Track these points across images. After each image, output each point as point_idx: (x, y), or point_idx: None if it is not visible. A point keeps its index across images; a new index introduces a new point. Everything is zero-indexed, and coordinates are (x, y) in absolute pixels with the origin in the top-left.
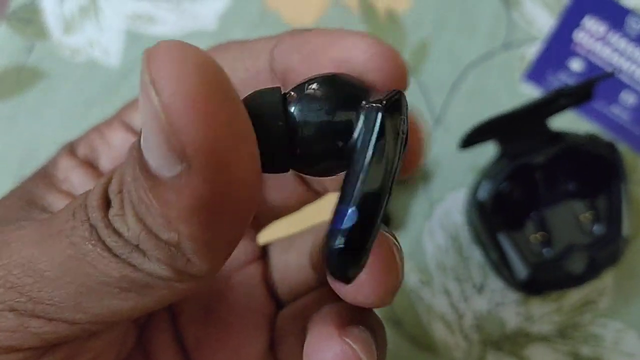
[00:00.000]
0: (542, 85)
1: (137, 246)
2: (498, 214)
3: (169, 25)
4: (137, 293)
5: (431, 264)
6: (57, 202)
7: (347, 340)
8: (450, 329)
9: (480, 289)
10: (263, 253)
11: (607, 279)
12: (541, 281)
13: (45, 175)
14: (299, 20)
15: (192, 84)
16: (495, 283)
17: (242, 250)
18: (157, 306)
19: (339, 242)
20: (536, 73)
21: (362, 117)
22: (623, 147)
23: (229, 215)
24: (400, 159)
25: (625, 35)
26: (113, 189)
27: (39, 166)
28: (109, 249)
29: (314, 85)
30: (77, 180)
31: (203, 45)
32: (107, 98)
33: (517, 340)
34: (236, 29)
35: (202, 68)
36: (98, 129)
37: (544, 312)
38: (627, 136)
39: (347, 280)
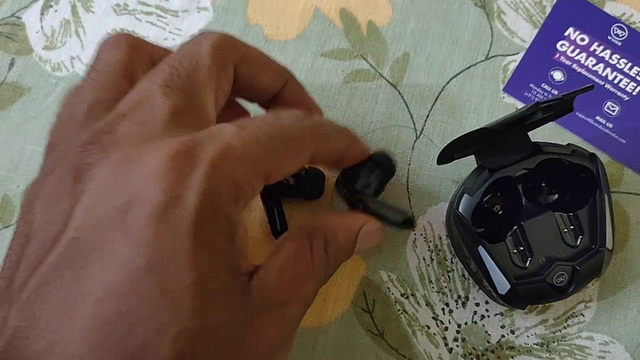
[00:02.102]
0: (524, 96)
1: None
2: (479, 227)
3: (151, 39)
4: None
5: (414, 276)
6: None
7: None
8: (434, 342)
9: (464, 302)
10: None
11: (592, 291)
12: (523, 294)
13: (235, 242)
14: (281, 35)
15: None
16: (478, 295)
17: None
18: None
19: None
20: (518, 84)
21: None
22: (607, 158)
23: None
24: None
25: (610, 44)
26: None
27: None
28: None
29: None
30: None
31: None
32: None
33: (501, 353)
34: None
35: None
36: (237, 183)
37: (528, 325)
38: (612, 146)
39: None
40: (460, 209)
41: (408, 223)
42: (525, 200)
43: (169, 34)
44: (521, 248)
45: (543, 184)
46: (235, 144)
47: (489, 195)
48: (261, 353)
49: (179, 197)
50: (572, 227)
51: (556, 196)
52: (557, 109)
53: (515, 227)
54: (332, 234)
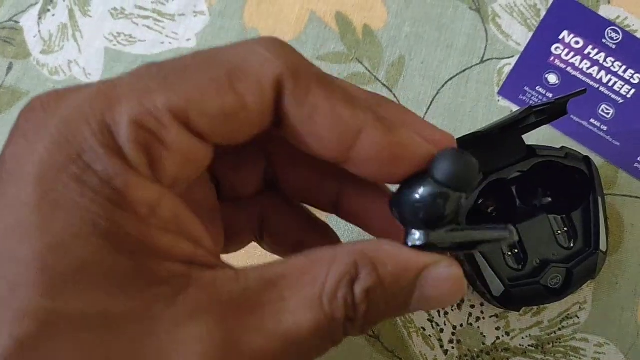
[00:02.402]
0: (519, 99)
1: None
2: None
3: (148, 43)
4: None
5: None
6: (163, 240)
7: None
8: (429, 344)
9: (459, 304)
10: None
11: (587, 293)
12: (517, 297)
13: (117, 204)
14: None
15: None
16: (474, 297)
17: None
18: None
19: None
20: (513, 87)
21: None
22: (601, 160)
23: None
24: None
25: (604, 47)
26: (360, 314)
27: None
28: (334, 344)
29: None
30: (169, 217)
31: None
32: None
33: (496, 355)
34: (214, 46)
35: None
36: (140, 123)
37: (523, 327)
38: (606, 149)
39: None
40: None
41: (512, 233)
42: (519, 202)
43: (166, 37)
44: (515, 250)
45: (537, 187)
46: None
47: (483, 198)
48: None
49: (34, 149)
50: (566, 229)
51: (550, 199)
52: (551, 113)
53: None
54: (378, 267)
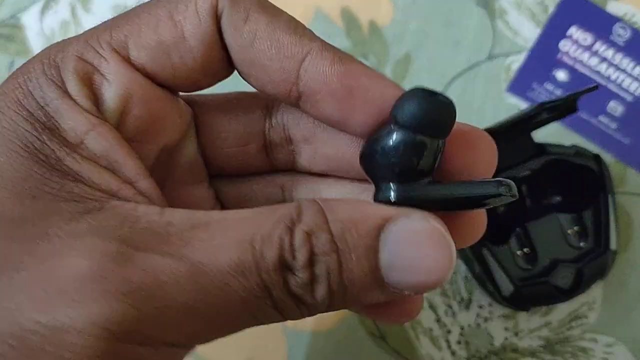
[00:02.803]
0: (527, 96)
1: (304, 304)
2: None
3: None
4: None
5: None
6: (77, 166)
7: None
8: (437, 345)
9: (467, 304)
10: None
11: (596, 293)
12: (527, 296)
13: (48, 127)
14: None
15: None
16: (482, 297)
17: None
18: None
19: None
20: (521, 84)
21: None
22: (610, 158)
23: None
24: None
25: (613, 44)
26: (301, 262)
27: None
28: (277, 308)
29: None
30: (95, 146)
31: None
32: None
33: (505, 356)
34: None
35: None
36: (83, 59)
37: (532, 327)
38: (615, 146)
39: None
40: None
41: (507, 188)
42: (529, 201)
43: None
44: (525, 250)
45: (547, 185)
46: None
47: None
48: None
49: None
50: (576, 228)
51: (560, 197)
52: (561, 110)
53: (519, 229)
54: (326, 213)
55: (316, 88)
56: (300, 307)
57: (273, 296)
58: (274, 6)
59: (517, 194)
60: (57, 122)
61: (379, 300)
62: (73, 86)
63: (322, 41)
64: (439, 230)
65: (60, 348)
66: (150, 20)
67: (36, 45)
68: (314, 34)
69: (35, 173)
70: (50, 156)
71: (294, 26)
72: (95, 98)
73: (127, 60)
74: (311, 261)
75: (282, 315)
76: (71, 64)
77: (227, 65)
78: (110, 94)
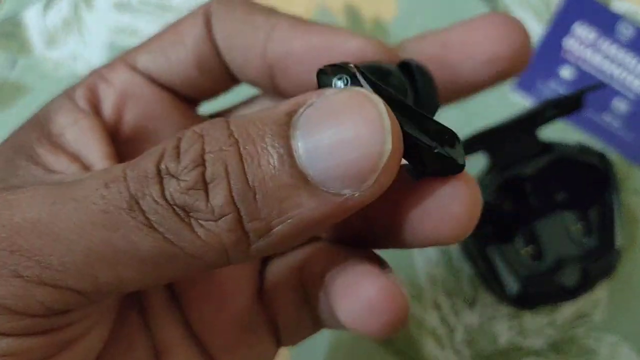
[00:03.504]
0: (531, 93)
1: (187, 212)
2: (487, 227)
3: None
4: (156, 266)
5: (421, 277)
6: (48, 156)
7: (390, 275)
8: (441, 344)
9: (471, 303)
10: None
11: (601, 292)
12: (533, 295)
13: (38, 125)
14: None
15: (380, 115)
16: (486, 296)
17: None
18: (163, 281)
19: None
20: (525, 81)
21: None
22: (615, 156)
23: (316, 229)
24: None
25: (616, 41)
26: (187, 162)
27: (34, 112)
28: (149, 222)
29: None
30: (72, 137)
31: None
32: None
33: (509, 355)
34: None
35: (381, 104)
36: (98, 72)
37: (537, 326)
38: (619, 144)
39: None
40: None
41: (444, 149)
42: (534, 199)
43: None
44: (531, 248)
45: (552, 183)
46: None
47: (498, 194)
48: None
49: None
50: (581, 226)
51: (566, 195)
52: (567, 107)
53: (524, 227)
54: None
55: (282, 55)
56: (195, 225)
57: (144, 209)
58: (258, 3)
59: (459, 163)
60: (51, 119)
61: (315, 212)
62: (78, 92)
63: (295, 17)
64: (361, 93)
65: None
66: (159, 33)
67: (38, 43)
68: (291, 15)
69: (8, 160)
70: (27, 143)
71: (269, 9)
72: (95, 99)
73: (133, 67)
74: (202, 160)
75: (173, 243)
76: (87, 78)
77: (225, 71)
78: (108, 94)
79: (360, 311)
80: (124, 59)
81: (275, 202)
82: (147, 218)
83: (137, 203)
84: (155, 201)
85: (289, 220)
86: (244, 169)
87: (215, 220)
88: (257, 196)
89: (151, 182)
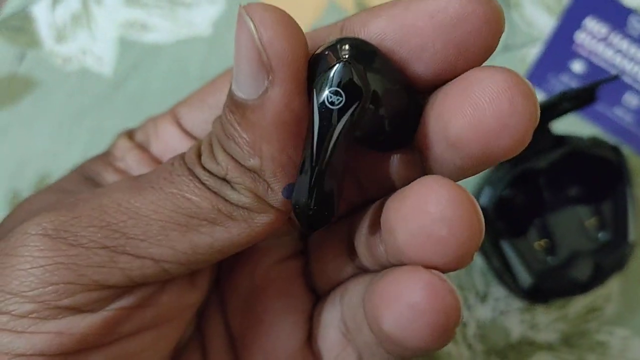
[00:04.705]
0: (543, 87)
1: (224, 179)
2: (500, 221)
3: (163, 32)
4: (221, 225)
5: None
6: (112, 178)
7: (434, 271)
8: (453, 339)
9: (483, 297)
10: (304, 248)
11: (613, 286)
12: (546, 289)
13: (105, 155)
14: None
15: (278, 13)
16: (498, 291)
17: (282, 244)
18: (233, 246)
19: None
20: (537, 75)
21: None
22: (627, 150)
23: (301, 136)
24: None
25: (628, 35)
26: (204, 144)
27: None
28: (203, 184)
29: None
30: (132, 160)
31: (198, 51)
32: (100, 107)
33: (521, 349)
34: (231, 35)
35: (283, 10)
36: (154, 120)
37: (549, 320)
38: (631, 139)
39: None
40: (482, 203)
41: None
42: (548, 193)
43: (181, 27)
44: (544, 242)
45: (565, 177)
46: None
47: (511, 188)
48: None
49: None
50: (595, 220)
51: (579, 189)
52: (581, 99)
53: (537, 220)
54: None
55: None
56: (229, 182)
57: (197, 174)
58: None
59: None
60: (112, 151)
61: (264, 114)
62: (138, 135)
63: None
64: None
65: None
66: (204, 86)
67: (47, 37)
68: None
69: (77, 184)
70: (93, 171)
71: None
72: (147, 141)
73: (177, 119)
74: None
75: (224, 199)
76: (144, 123)
77: None
78: (154, 141)
79: (401, 315)
80: (173, 110)
81: (240, 136)
82: (199, 180)
83: (191, 170)
84: (201, 167)
85: (265, 138)
86: (225, 139)
87: (229, 174)
88: (237, 142)
89: (196, 156)
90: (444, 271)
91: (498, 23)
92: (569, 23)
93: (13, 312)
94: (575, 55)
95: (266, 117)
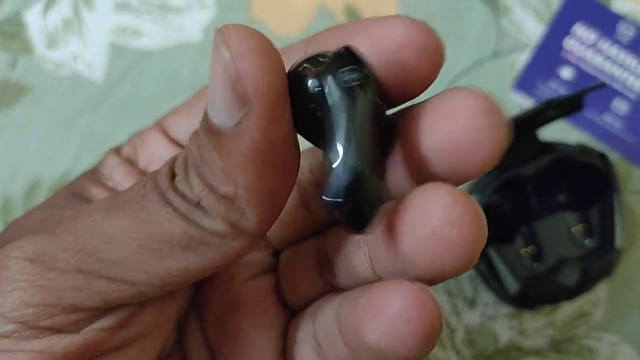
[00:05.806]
0: (532, 94)
1: (198, 204)
2: (488, 228)
3: (154, 37)
4: (194, 251)
5: None
6: (100, 195)
7: (417, 282)
8: (442, 344)
9: (471, 303)
10: (276, 265)
11: (601, 291)
12: (533, 295)
13: (92, 172)
14: (285, 30)
15: (255, 40)
16: (487, 296)
17: (254, 261)
18: (208, 270)
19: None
20: (526, 82)
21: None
22: (615, 157)
23: (278, 166)
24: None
25: (617, 42)
26: (178, 163)
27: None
28: (175, 209)
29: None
30: (119, 176)
31: (189, 56)
32: (92, 112)
33: (510, 355)
34: None
35: (261, 36)
36: (141, 133)
37: (537, 326)
38: (619, 145)
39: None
40: None
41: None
42: (534, 199)
43: (172, 32)
44: (531, 248)
45: (553, 183)
46: None
47: (498, 195)
48: None
49: None
50: (582, 226)
51: (566, 195)
52: (567, 107)
53: (524, 227)
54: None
55: None
56: (202, 206)
57: (168, 198)
58: None
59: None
60: (99, 168)
61: (237, 143)
62: (125, 150)
63: None
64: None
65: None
66: (192, 97)
67: (39, 43)
68: None
69: (66, 200)
70: (82, 186)
71: None
72: (135, 155)
73: (164, 130)
74: (184, 161)
75: (197, 224)
76: (131, 138)
77: None
78: (142, 148)
79: (387, 324)
80: (160, 122)
81: (215, 162)
82: (172, 206)
83: (163, 195)
84: (174, 191)
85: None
86: (200, 163)
87: (203, 200)
88: (212, 169)
89: (168, 178)
90: (452, 275)
91: (438, 53)
92: (558, 29)
93: None
94: (564, 61)
95: (241, 147)
